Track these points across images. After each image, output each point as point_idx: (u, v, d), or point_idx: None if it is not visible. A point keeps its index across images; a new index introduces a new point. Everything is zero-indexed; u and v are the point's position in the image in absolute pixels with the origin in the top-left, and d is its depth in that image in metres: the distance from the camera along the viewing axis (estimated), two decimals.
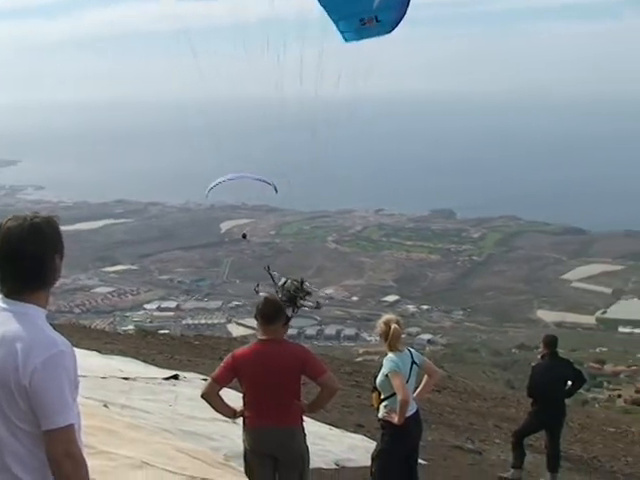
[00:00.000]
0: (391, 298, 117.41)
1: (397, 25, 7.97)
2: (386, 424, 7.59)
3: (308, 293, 15.56)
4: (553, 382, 10.98)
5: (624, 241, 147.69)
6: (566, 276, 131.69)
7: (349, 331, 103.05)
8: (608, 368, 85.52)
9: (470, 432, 15.20)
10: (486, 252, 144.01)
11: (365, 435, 11.69)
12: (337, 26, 8.09)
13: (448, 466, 11.03)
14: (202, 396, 6.73)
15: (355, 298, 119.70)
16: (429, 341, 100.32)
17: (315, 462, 9.76)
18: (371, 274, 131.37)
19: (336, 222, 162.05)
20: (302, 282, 16.98)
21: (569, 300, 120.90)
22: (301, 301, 15.71)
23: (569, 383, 11.21)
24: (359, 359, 43.36)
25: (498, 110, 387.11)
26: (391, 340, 7.66)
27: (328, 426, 12.20)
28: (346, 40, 8.06)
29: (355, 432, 12.23)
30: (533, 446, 13.16)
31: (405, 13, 7.96)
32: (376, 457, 7.65)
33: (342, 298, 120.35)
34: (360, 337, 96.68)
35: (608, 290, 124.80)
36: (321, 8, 7.86)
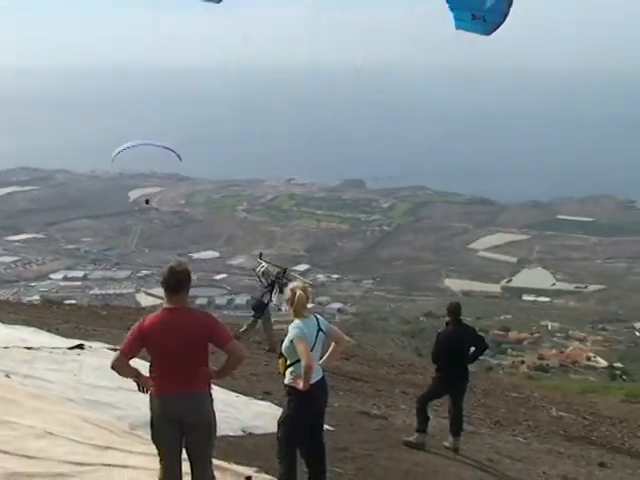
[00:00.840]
0: (302, 267, 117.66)
1: (495, 30, 8.98)
2: (292, 390, 7.63)
3: (285, 284, 16.26)
4: (456, 348, 11.19)
5: (530, 211, 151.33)
6: (473, 245, 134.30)
7: None
8: (512, 335, 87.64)
9: (377, 398, 15.40)
10: (395, 222, 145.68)
11: (272, 402, 11.74)
12: (451, 12, 9.09)
13: (354, 431, 11.17)
14: (112, 368, 6.69)
15: None
16: (339, 310, 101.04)
17: (222, 429, 9.75)
18: (282, 243, 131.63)
19: (246, 191, 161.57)
20: (285, 270, 17.62)
21: (476, 269, 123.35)
22: (279, 291, 16.49)
23: (472, 349, 11.44)
24: None
25: (411, 81, 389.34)
26: (296, 306, 7.69)
27: (235, 394, 12.21)
28: (456, 27, 9.11)
29: (263, 399, 12.27)
30: (437, 411, 13.40)
31: (504, 22, 8.90)
32: (282, 423, 7.68)
33: (253, 267, 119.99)
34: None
35: (513, 259, 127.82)
36: None
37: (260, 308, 17.65)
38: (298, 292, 7.70)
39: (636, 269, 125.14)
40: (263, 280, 17.73)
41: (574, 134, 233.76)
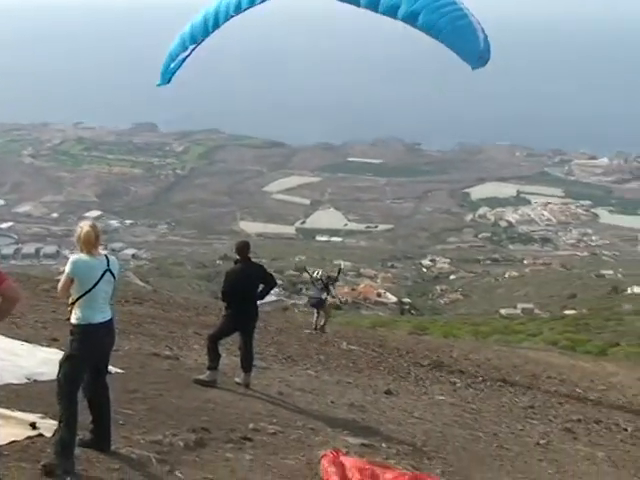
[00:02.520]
0: (93, 214, 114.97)
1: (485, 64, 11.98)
2: (75, 330, 7.42)
3: (336, 280, 23.31)
4: (245, 286, 11.26)
5: (321, 154, 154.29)
6: (267, 188, 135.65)
7: (49, 249, 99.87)
8: (307, 276, 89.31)
9: (169, 340, 15.33)
10: (189, 165, 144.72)
11: (59, 348, 11.41)
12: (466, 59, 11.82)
13: (145, 373, 11.05)
14: None
15: (55, 215, 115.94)
16: (133, 256, 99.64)
17: (5, 378, 9.46)
18: (71, 189, 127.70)
19: (31, 135, 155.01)
20: (340, 271, 27.89)
21: (270, 211, 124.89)
22: (331, 287, 22.36)
23: (261, 287, 11.55)
24: (59, 277, 42.36)
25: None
26: (82, 243, 7.41)
27: (20, 342, 11.78)
28: (472, 69, 11.82)
29: (49, 346, 11.91)
30: (230, 349, 13.50)
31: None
32: (63, 363, 7.45)
33: (41, 215, 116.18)
34: (61, 255, 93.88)
35: (306, 201, 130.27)
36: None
37: (320, 304, 22.17)
38: (85, 228, 7.42)
39: (422, 209, 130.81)
40: (317, 283, 22.23)
41: (363, 77, 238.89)
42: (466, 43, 11.58)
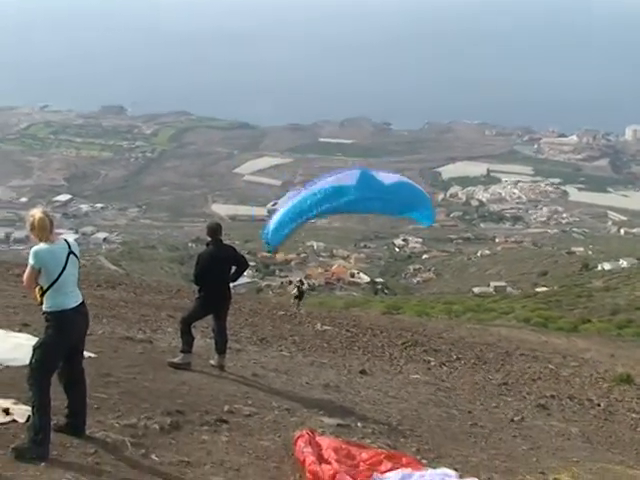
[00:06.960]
0: (63, 197, 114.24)
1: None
2: (50, 317, 7.34)
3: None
4: (217, 268, 11.16)
5: (291, 135, 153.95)
6: (238, 170, 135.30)
7: (19, 234, 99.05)
8: (280, 257, 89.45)
9: (142, 323, 15.24)
10: (159, 148, 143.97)
11: (31, 334, 11.30)
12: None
13: (118, 357, 10.97)
14: None
15: (24, 199, 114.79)
16: (105, 239, 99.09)
17: None
18: (40, 174, 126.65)
19: None
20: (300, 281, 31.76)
21: (242, 193, 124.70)
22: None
23: (233, 268, 11.46)
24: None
25: (156, 7, 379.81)
26: (38, 231, 7.32)
27: None
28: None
29: (20, 331, 11.78)
30: (204, 332, 13.46)
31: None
32: (37, 348, 7.38)
33: (10, 200, 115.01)
34: (31, 239, 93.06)
35: (278, 182, 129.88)
36: None
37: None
38: (38, 215, 7.30)
39: None
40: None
41: (333, 57, 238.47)
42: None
